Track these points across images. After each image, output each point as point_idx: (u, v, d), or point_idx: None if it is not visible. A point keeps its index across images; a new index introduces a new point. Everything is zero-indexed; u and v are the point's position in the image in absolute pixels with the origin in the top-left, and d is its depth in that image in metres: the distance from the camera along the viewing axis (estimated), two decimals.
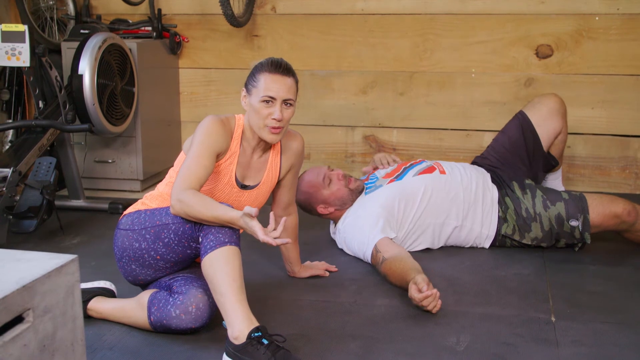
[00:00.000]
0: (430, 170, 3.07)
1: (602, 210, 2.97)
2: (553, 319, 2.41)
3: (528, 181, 3.12)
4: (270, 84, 2.28)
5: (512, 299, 2.58)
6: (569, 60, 4.08)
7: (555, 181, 3.45)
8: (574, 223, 2.97)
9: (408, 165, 3.14)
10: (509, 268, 2.89)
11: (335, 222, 3.10)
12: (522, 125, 3.26)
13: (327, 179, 2.99)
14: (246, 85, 2.37)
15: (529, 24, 4.08)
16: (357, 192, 3.03)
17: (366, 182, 3.11)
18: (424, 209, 2.98)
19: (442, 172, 3.06)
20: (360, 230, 2.89)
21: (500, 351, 2.18)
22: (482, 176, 3.12)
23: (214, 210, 2.12)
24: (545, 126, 3.26)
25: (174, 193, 2.18)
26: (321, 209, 3.02)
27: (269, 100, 2.28)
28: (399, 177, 3.06)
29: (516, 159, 3.23)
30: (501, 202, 3.07)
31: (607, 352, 2.17)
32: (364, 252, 2.84)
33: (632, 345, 2.22)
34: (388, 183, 3.03)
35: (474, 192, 3.04)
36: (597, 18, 4.01)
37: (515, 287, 2.70)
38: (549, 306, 2.51)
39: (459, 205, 3.02)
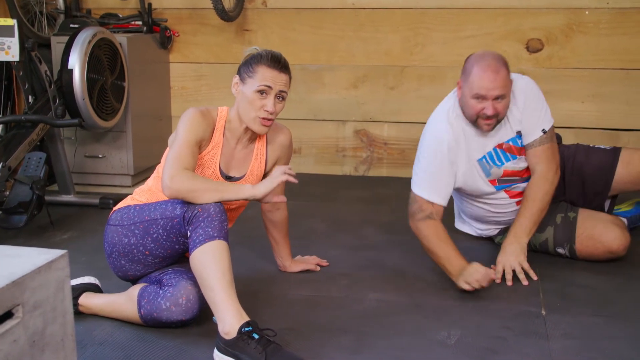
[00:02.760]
0: (520, 194, 2.85)
1: (591, 244, 2.80)
2: (543, 312, 2.42)
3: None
4: (268, 76, 2.30)
5: (503, 293, 2.59)
6: (559, 54, 4.09)
7: None
8: (560, 250, 2.88)
9: (526, 176, 2.84)
10: None
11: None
12: (604, 177, 2.96)
13: (484, 105, 2.62)
14: (240, 73, 2.37)
15: (519, 18, 4.09)
16: (473, 127, 2.72)
17: (497, 148, 2.77)
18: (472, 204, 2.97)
19: (519, 203, 2.85)
20: (424, 164, 2.75)
21: (490, 345, 2.19)
22: None
23: (223, 185, 2.21)
24: (624, 186, 2.96)
25: (168, 176, 2.16)
26: (460, 80, 2.71)
27: (264, 91, 2.30)
28: (499, 184, 2.84)
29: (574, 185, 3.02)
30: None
31: (597, 344, 2.18)
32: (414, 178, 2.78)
33: (621, 337, 2.23)
34: (489, 181, 2.81)
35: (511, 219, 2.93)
36: (587, 12, 4.02)
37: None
38: (539, 299, 2.52)
39: (494, 219, 2.99)
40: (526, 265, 2.69)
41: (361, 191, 3.95)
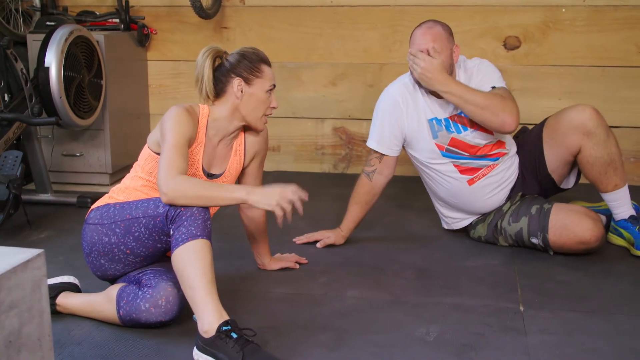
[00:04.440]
0: (471, 172, 2.94)
1: (564, 234, 2.80)
2: (521, 308, 2.44)
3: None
4: (272, 75, 2.45)
5: (481, 289, 2.61)
6: (536, 51, 4.11)
7: (614, 202, 2.96)
8: (534, 240, 2.88)
9: (474, 154, 2.92)
10: (479, 258, 2.91)
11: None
12: (537, 147, 2.99)
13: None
14: (242, 75, 2.39)
15: (496, 16, 4.11)
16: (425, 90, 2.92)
17: (450, 119, 2.89)
18: (434, 185, 3.06)
19: (472, 182, 2.94)
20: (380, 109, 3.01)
21: (469, 341, 2.20)
22: (499, 196, 3.01)
23: (217, 190, 2.16)
24: (561, 144, 2.91)
25: (164, 183, 2.12)
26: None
27: (271, 90, 2.45)
28: (446, 152, 2.91)
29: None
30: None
31: (575, 339, 2.20)
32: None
33: (599, 332, 2.25)
34: (435, 143, 2.90)
35: (474, 208, 3.02)
36: (563, 10, 4.05)
37: (485, 277, 2.72)
38: (517, 296, 2.54)
39: (454, 202, 3.06)
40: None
41: (340, 189, 3.95)
